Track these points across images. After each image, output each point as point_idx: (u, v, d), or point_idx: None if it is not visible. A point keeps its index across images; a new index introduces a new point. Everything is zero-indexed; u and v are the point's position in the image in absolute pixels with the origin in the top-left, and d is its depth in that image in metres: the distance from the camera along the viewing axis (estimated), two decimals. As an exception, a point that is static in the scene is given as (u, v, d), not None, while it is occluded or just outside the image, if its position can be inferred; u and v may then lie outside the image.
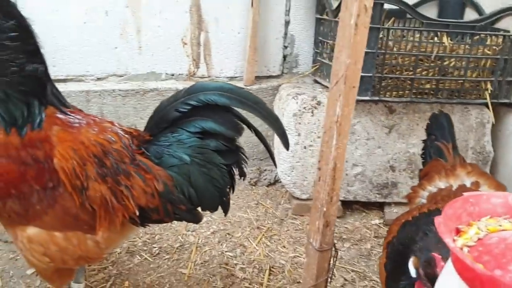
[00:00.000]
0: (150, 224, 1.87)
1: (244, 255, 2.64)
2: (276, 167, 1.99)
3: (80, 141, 1.68)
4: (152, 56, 3.27)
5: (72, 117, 1.74)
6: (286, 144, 1.84)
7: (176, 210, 1.79)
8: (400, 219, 1.84)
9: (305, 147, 2.92)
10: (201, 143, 1.76)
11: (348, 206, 3.17)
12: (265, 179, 3.47)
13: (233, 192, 1.89)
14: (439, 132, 2.25)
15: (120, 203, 1.71)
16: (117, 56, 3.20)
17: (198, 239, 2.76)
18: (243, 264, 2.56)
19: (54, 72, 3.05)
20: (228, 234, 2.83)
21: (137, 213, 1.73)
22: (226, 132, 1.76)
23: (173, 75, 3.35)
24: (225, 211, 1.89)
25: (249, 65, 3.24)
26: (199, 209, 1.85)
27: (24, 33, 1.61)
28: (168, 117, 1.76)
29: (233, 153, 1.82)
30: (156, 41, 3.23)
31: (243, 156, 1.87)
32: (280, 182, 3.40)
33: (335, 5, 2.90)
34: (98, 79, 3.21)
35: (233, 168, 1.85)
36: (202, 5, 3.20)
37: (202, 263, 2.56)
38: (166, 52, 3.28)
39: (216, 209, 1.87)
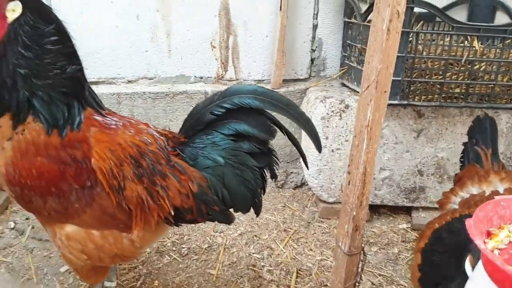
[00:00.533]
0: (183, 224, 1.91)
1: (271, 257, 2.66)
2: (307, 168, 2.02)
3: (117, 142, 1.73)
4: (181, 60, 3.32)
5: (109, 119, 1.80)
6: (318, 147, 1.86)
7: (210, 211, 1.83)
8: (432, 223, 1.84)
9: (332, 151, 2.93)
10: (235, 146, 1.80)
11: (375, 210, 3.16)
12: (291, 182, 3.49)
13: (264, 194, 1.92)
14: (480, 136, 2.21)
15: (155, 203, 1.76)
16: (147, 59, 3.26)
17: (226, 241, 2.79)
18: (271, 266, 2.58)
19: (86, 74, 3.12)
20: (256, 236, 2.85)
21: (172, 213, 1.78)
22: (259, 135, 1.79)
23: (201, 78, 3.40)
24: (257, 212, 1.92)
25: (276, 68, 3.26)
26: (232, 210, 1.89)
27: (63, 37, 1.68)
28: (203, 120, 1.80)
29: (265, 155, 1.85)
30: (185, 44, 3.28)
31: (275, 159, 1.90)
32: (307, 185, 3.41)
33: (364, 8, 2.89)
34: (129, 81, 3.28)
35: (265, 170, 1.88)
36: (231, 8, 3.24)
37: (229, 264, 2.59)
38: (195, 56, 3.33)
39: (248, 210, 1.90)
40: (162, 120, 3.24)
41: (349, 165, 1.76)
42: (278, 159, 1.92)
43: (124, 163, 1.72)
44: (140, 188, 1.74)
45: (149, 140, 1.80)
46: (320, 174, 2.98)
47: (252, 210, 1.91)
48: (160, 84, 3.32)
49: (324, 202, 3.08)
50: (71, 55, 1.71)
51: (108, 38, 3.15)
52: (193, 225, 2.89)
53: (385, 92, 1.58)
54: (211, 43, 3.31)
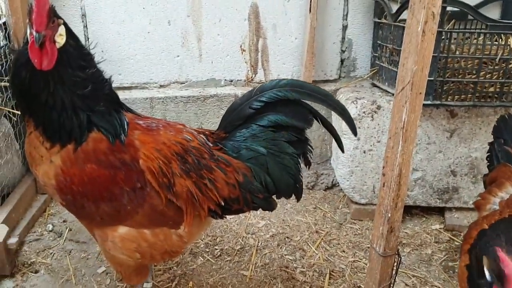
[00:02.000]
0: (228, 215, 2.01)
1: (303, 258, 2.67)
2: (343, 152, 2.09)
3: (161, 142, 1.82)
4: (211, 64, 3.36)
5: (148, 121, 1.88)
6: (354, 131, 1.96)
7: (255, 199, 1.94)
8: (479, 224, 1.84)
9: (364, 152, 2.92)
10: (275, 136, 1.92)
11: (408, 210, 3.14)
12: (322, 183, 3.49)
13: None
14: (509, 135, 2.18)
15: (205, 195, 1.86)
16: (179, 64, 3.31)
17: (258, 242, 2.81)
18: (303, 268, 2.59)
19: (120, 80, 3.22)
20: (287, 237, 2.87)
21: (222, 204, 1.88)
22: (298, 124, 1.92)
23: (231, 81, 3.43)
24: (298, 197, 2.03)
25: (306, 70, 3.27)
26: (274, 197, 2.00)
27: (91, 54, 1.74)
28: (243, 115, 1.92)
29: (302, 143, 1.97)
30: (215, 48, 3.32)
31: (309, 147, 2.01)
32: (338, 186, 3.41)
33: (395, 8, 2.88)
34: (161, 86, 3.34)
35: (300, 158, 1.98)
36: (261, 12, 3.26)
37: (262, 266, 2.61)
38: (225, 59, 3.36)
39: (290, 196, 2.01)
40: (193, 123, 3.29)
41: (383, 167, 1.76)
42: (312, 147, 2.03)
43: (171, 160, 1.81)
44: (189, 183, 1.83)
45: (190, 138, 1.89)
46: (352, 176, 2.97)
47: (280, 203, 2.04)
48: (191, 88, 3.37)
49: (356, 203, 3.07)
50: (100, 69, 1.77)
51: (141, 44, 3.21)
52: (225, 226, 2.93)
53: (420, 93, 1.58)
54: (240, 46, 3.34)
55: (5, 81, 2.71)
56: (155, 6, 3.15)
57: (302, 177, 2.01)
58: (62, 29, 1.62)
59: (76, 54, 1.65)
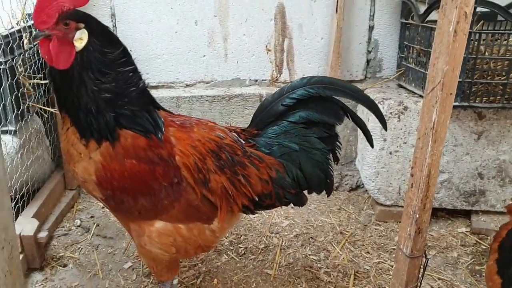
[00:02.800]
0: (259, 211, 2.06)
1: (328, 259, 2.67)
2: (372, 147, 2.12)
3: (196, 139, 1.86)
4: (237, 63, 3.38)
5: (181, 119, 1.93)
6: (384, 126, 2.02)
7: (287, 194, 1.98)
8: (509, 224, 1.86)
9: (390, 153, 2.90)
10: (306, 132, 1.96)
11: (433, 213, 3.07)
12: (346, 184, 3.47)
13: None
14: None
15: (238, 191, 1.90)
16: (205, 64, 3.34)
17: (282, 242, 2.82)
18: (328, 268, 2.59)
19: (147, 79, 3.26)
20: (311, 238, 2.87)
21: (256, 199, 1.93)
22: (329, 120, 1.97)
23: (256, 81, 3.45)
24: (329, 192, 2.08)
25: (332, 70, 3.26)
26: (305, 192, 2.05)
27: (128, 56, 1.79)
28: (274, 112, 1.97)
29: (332, 138, 2.01)
30: (241, 48, 3.34)
31: (338, 143, 2.05)
32: (362, 187, 3.39)
33: (422, 9, 2.85)
34: (187, 85, 3.38)
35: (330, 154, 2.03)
36: (287, 12, 3.27)
37: (286, 265, 2.61)
38: (250, 59, 3.38)
39: (322, 191, 2.06)
40: (218, 122, 3.30)
41: (412, 168, 1.75)
42: (340, 143, 2.06)
43: (206, 157, 1.85)
44: (224, 179, 1.88)
45: (223, 135, 1.94)
46: (377, 177, 2.95)
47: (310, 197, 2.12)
48: (217, 88, 3.40)
49: (381, 205, 3.05)
50: (136, 70, 1.82)
51: (168, 44, 3.25)
52: (249, 225, 2.95)
53: (451, 94, 1.57)
54: (266, 46, 3.36)
55: (37, 79, 2.77)
56: (183, 6, 3.19)
57: (332, 172, 2.04)
58: (82, 34, 1.66)
59: (99, 59, 1.68)
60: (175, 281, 2.36)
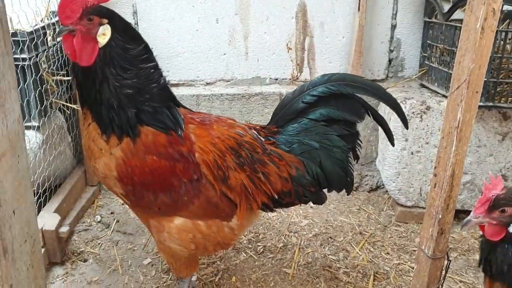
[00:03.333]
0: (278, 208, 2.05)
1: (347, 259, 2.65)
2: (393, 145, 2.10)
3: (216, 136, 1.87)
4: (257, 62, 3.37)
5: (201, 116, 1.93)
6: (405, 124, 1.99)
7: (306, 192, 1.98)
8: None
9: (412, 153, 2.86)
10: (327, 130, 1.95)
11: (455, 215, 3.02)
12: (366, 185, 3.44)
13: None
14: None
15: (258, 189, 1.90)
16: (225, 62, 3.35)
17: (301, 241, 2.80)
18: (347, 268, 2.56)
19: (168, 77, 3.26)
20: (330, 237, 2.84)
21: (276, 197, 1.92)
22: (350, 118, 1.94)
23: (276, 79, 3.43)
24: (349, 191, 2.06)
25: (353, 69, 3.23)
26: (325, 190, 2.04)
27: (150, 53, 1.80)
28: (295, 109, 1.96)
29: (353, 136, 1.99)
30: (261, 47, 3.34)
31: (359, 141, 2.03)
32: (383, 188, 3.36)
33: (446, 7, 2.81)
34: (207, 83, 3.38)
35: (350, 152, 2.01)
36: (308, 10, 3.25)
37: (305, 264, 2.60)
38: (271, 58, 3.37)
39: (342, 189, 2.04)
40: (238, 120, 3.31)
41: (435, 167, 1.72)
42: (361, 141, 2.04)
43: (226, 154, 1.86)
44: (243, 176, 1.88)
45: (242, 133, 1.94)
46: (398, 177, 2.92)
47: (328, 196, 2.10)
48: (237, 86, 3.40)
49: (402, 205, 3.02)
50: (155, 67, 1.82)
51: (189, 42, 3.26)
52: (267, 224, 2.94)
53: (476, 92, 1.54)
54: (287, 45, 3.34)
55: (60, 75, 2.81)
56: (204, 4, 3.20)
57: (353, 170, 2.02)
58: (105, 29, 1.67)
59: (121, 55, 1.69)
60: (193, 278, 2.38)
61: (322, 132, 1.95)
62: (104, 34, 1.68)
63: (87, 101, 1.77)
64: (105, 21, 1.67)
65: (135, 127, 1.74)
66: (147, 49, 1.78)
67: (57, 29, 2.84)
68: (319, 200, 2.05)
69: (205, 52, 3.31)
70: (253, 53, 3.35)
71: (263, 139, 1.96)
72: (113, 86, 1.69)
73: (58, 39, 2.79)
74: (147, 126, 1.76)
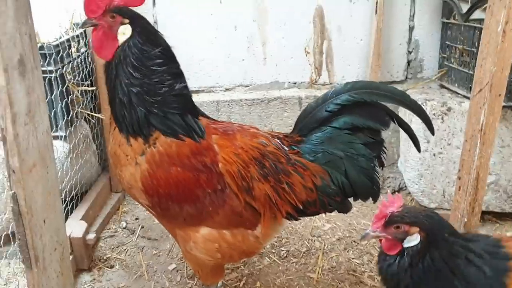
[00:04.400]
0: (302, 217, 2.04)
1: (371, 263, 2.64)
2: (419, 151, 2.06)
3: (239, 146, 1.88)
4: (275, 66, 3.40)
5: (223, 126, 1.94)
6: (431, 131, 1.94)
7: (331, 202, 1.96)
8: None
9: (434, 155, 2.85)
10: (351, 138, 1.92)
11: (480, 216, 3.02)
12: (388, 187, 3.43)
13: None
14: None
15: (282, 199, 1.89)
16: (244, 68, 3.38)
17: (324, 245, 2.81)
18: (372, 272, 2.56)
19: (188, 84, 3.31)
20: (354, 241, 2.84)
21: (301, 207, 1.91)
22: (374, 126, 1.91)
23: (295, 83, 3.46)
24: (375, 199, 2.03)
25: (372, 71, 3.24)
26: (350, 199, 2.02)
27: (168, 59, 1.83)
28: (318, 117, 1.94)
29: (378, 144, 1.96)
30: (280, 52, 3.36)
31: (384, 148, 2.00)
32: (405, 189, 3.35)
33: (465, 8, 2.80)
34: (227, 89, 3.42)
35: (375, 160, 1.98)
36: (326, 14, 3.27)
37: (329, 269, 2.60)
38: (289, 62, 3.39)
39: (368, 198, 2.02)
40: (257, 125, 3.30)
41: (459, 170, 1.73)
42: (385, 148, 2.01)
43: (249, 165, 1.86)
44: (267, 187, 1.88)
45: (266, 142, 1.94)
46: (421, 179, 2.91)
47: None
48: (255, 91, 3.42)
49: (425, 207, 3.00)
50: (177, 75, 1.85)
51: (208, 49, 3.30)
52: (290, 228, 2.95)
53: (500, 95, 1.54)
54: (305, 49, 3.36)
55: (85, 86, 2.87)
56: (223, 12, 3.24)
57: (379, 178, 2.00)
58: (125, 29, 1.75)
59: (136, 55, 1.75)
60: (219, 283, 2.40)
61: (347, 140, 1.93)
62: (123, 33, 1.76)
63: (108, 98, 1.84)
64: (126, 21, 1.75)
65: (146, 128, 1.77)
66: (164, 55, 1.80)
67: (81, 40, 2.91)
68: (345, 209, 2.03)
69: (223, 58, 3.35)
70: (271, 58, 3.38)
71: (287, 149, 1.96)
72: (124, 84, 1.75)
73: (82, 50, 2.85)
74: (157, 130, 1.78)
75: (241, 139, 1.91)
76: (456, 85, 2.96)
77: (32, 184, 1.71)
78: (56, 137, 2.57)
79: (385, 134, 3.32)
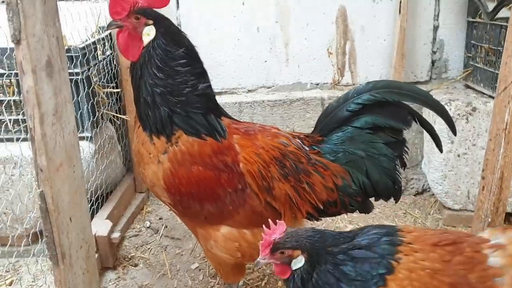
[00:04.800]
0: (324, 218, 2.06)
1: (394, 263, 2.62)
2: (441, 151, 2.05)
3: (260, 146, 1.89)
4: (298, 68, 3.40)
5: (245, 126, 1.96)
6: (453, 131, 1.93)
7: (352, 202, 1.96)
8: None
9: (458, 155, 2.81)
10: (372, 138, 1.91)
11: (506, 218, 2.96)
12: (412, 188, 3.40)
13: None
14: None
15: (303, 199, 1.90)
16: (266, 69, 3.39)
17: (346, 245, 2.79)
18: (394, 273, 2.54)
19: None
20: None
21: (321, 207, 1.92)
22: (396, 125, 1.90)
23: (317, 84, 3.45)
24: (397, 199, 2.02)
25: (396, 72, 3.21)
26: (372, 199, 2.02)
27: (192, 59, 1.87)
28: (339, 117, 1.93)
29: (400, 143, 1.95)
30: (302, 52, 3.36)
31: (406, 148, 1.98)
32: (429, 191, 3.31)
33: (491, 7, 2.75)
34: (249, 91, 3.44)
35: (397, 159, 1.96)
36: (349, 15, 3.26)
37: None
38: (311, 63, 3.39)
39: (389, 198, 2.01)
40: (279, 126, 3.32)
41: (483, 170, 1.70)
42: (408, 148, 1.99)
43: (270, 164, 1.88)
44: (288, 187, 1.89)
45: (286, 142, 1.95)
46: (445, 180, 2.87)
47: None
48: (278, 92, 3.43)
49: (449, 209, 2.97)
50: (200, 75, 1.89)
51: (231, 51, 3.33)
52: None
53: (525, 93, 1.52)
54: (327, 49, 3.36)
55: (110, 88, 2.93)
56: (245, 14, 3.26)
57: (400, 178, 1.98)
58: (149, 30, 1.79)
59: (160, 55, 1.79)
60: (240, 283, 2.42)
61: (368, 140, 1.92)
62: (148, 34, 1.79)
63: (134, 98, 1.89)
64: (150, 22, 1.79)
65: (169, 127, 1.81)
66: (188, 55, 1.84)
67: (106, 43, 2.97)
68: (366, 209, 2.03)
69: (246, 60, 3.37)
70: (293, 59, 3.39)
71: (307, 149, 1.96)
72: (148, 84, 1.80)
73: (107, 53, 2.91)
74: (179, 129, 1.82)
75: (262, 139, 1.92)
76: (481, 85, 2.92)
77: (59, 183, 1.76)
78: (82, 138, 2.63)
79: (409, 135, 3.32)
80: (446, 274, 1.41)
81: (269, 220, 1.54)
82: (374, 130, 1.92)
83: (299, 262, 1.49)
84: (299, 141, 1.98)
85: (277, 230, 1.53)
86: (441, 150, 2.03)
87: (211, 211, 1.87)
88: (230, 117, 2.01)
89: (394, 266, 1.43)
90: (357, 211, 2.03)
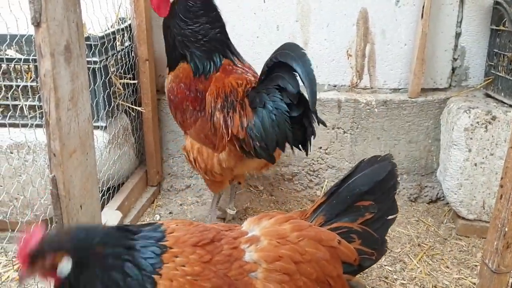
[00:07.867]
0: (250, 155, 2.36)
1: (404, 271, 2.58)
2: (323, 123, 2.34)
3: (225, 83, 2.42)
4: (316, 68, 3.36)
5: (236, 68, 2.52)
6: (313, 104, 2.16)
7: (255, 145, 2.28)
8: None
9: (475, 164, 2.76)
10: (275, 94, 2.23)
11: (521, 231, 2.91)
12: (425, 196, 3.35)
13: (310, 140, 2.32)
14: None
15: (225, 129, 2.35)
16: (284, 68, 3.36)
17: (356, 250, 2.76)
18: (404, 280, 2.51)
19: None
20: (387, 248, 2.78)
21: (236, 143, 2.35)
22: (283, 84, 2.20)
23: (335, 86, 3.42)
24: (272, 161, 2.35)
25: (415, 77, 3.17)
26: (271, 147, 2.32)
27: (207, 9, 2.47)
28: (264, 69, 2.32)
29: (298, 106, 2.21)
30: (321, 53, 3.33)
31: (308, 113, 2.25)
32: (443, 200, 3.26)
33: (516, 14, 2.70)
34: (266, 89, 3.41)
35: (304, 120, 2.25)
36: (370, 17, 3.22)
37: (360, 275, 2.54)
38: (330, 64, 3.36)
39: (274, 150, 2.29)
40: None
41: (502, 178, 1.66)
42: (316, 116, 2.25)
43: (218, 97, 2.40)
44: (222, 117, 2.37)
45: (241, 83, 2.41)
46: (460, 189, 2.82)
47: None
48: (294, 92, 3.40)
49: (463, 218, 2.91)
50: (213, 21, 2.50)
51: (250, 48, 3.30)
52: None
53: (549, 100, 1.47)
54: (347, 51, 3.32)
55: (127, 79, 2.93)
56: (266, 12, 3.24)
57: (292, 135, 2.24)
58: None
59: (183, 12, 2.44)
60: (233, 212, 2.95)
61: (272, 94, 2.23)
62: None
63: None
64: None
65: (178, 63, 2.54)
66: (204, 6, 2.47)
67: (125, 34, 2.98)
68: (268, 158, 2.31)
69: (265, 58, 3.26)
70: (312, 59, 3.31)
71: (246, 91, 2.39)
72: (173, 33, 2.48)
73: (126, 44, 2.91)
74: (188, 64, 2.49)
75: (230, 78, 2.43)
76: (502, 94, 2.86)
77: (72, 169, 1.76)
78: (96, 127, 2.63)
79: (425, 142, 3.27)
80: (207, 278, 1.38)
81: (27, 227, 1.36)
82: (279, 88, 2.21)
83: (65, 267, 1.26)
84: (249, 87, 2.39)
85: (33, 237, 1.28)
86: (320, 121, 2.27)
87: (179, 119, 2.60)
88: (236, 56, 2.60)
89: (156, 281, 1.32)
90: (261, 157, 2.32)
